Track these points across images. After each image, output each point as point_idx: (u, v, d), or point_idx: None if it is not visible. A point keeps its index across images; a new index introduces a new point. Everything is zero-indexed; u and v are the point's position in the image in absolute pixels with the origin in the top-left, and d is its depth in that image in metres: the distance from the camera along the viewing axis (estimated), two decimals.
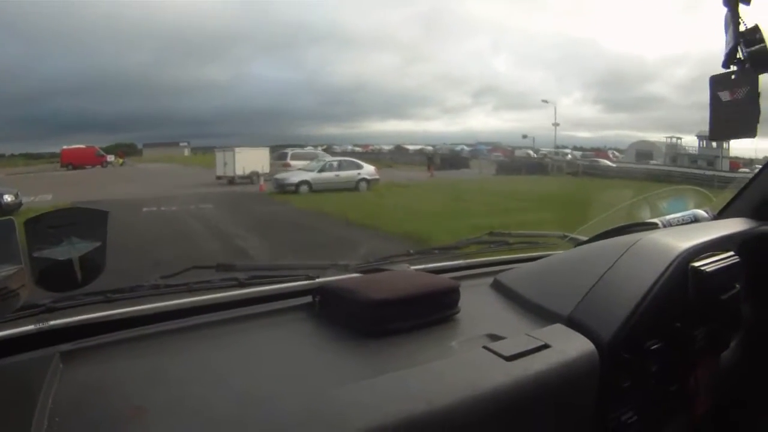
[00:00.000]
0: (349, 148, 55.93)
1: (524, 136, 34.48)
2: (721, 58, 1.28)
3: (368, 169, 19.08)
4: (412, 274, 1.33)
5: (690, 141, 30.66)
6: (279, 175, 18.40)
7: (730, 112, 1.31)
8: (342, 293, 1.13)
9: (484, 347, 0.92)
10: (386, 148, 48.65)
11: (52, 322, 1.02)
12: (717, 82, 1.32)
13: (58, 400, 0.81)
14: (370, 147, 53.52)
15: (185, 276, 1.25)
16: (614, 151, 36.93)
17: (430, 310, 1.10)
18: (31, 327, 1.01)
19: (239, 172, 20.61)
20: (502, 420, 0.83)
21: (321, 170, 18.50)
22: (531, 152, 34.81)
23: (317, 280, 1.30)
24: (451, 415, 0.77)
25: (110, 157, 33.52)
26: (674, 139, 31.44)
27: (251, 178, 20.20)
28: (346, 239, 8.79)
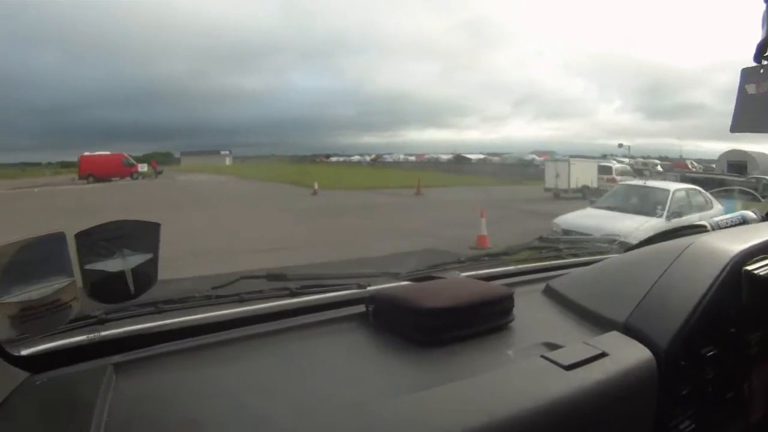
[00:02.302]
0: (401, 157, 55.25)
1: (620, 145, 33.21)
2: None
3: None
4: (465, 281, 1.30)
5: None
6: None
7: (755, 105, 1.34)
8: (395, 302, 1.11)
9: (542, 356, 0.91)
10: (444, 157, 47.18)
11: (104, 333, 1.04)
12: (746, 75, 1.35)
13: (112, 413, 0.82)
14: (425, 156, 51.38)
15: (235, 286, 1.25)
16: (692, 161, 34.86)
17: (485, 319, 1.09)
18: (83, 338, 1.02)
19: (573, 184, 19.13)
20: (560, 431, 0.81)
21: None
22: (616, 163, 31.65)
23: (369, 288, 1.29)
24: (513, 428, 0.76)
25: (141, 167, 29.35)
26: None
27: (582, 191, 18.22)
28: None
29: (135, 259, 0.94)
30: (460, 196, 17.41)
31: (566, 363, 0.88)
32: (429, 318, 1.04)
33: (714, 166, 28.76)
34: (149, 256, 0.96)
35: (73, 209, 12.30)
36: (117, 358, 0.99)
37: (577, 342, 0.98)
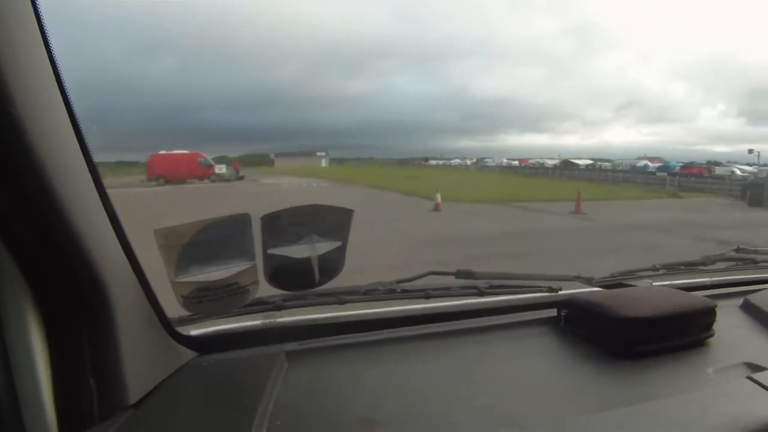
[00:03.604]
0: (504, 161, 52.97)
1: (750, 151, 30.77)
2: None
3: None
4: (663, 291, 1.22)
5: None
6: None
7: None
8: (591, 308, 1.07)
9: (749, 378, 0.86)
10: (550, 161, 45.13)
11: (279, 320, 1.03)
12: None
13: (280, 402, 0.80)
14: (529, 161, 49.79)
15: (423, 281, 1.22)
16: None
17: (684, 332, 1.03)
18: (257, 323, 1.02)
19: None
20: None
21: None
22: (738, 171, 30.36)
23: (561, 292, 1.25)
24: None
25: (219, 168, 27.22)
26: None
27: None
28: None
29: (324, 246, 0.90)
30: (636, 218, 13.09)
31: None
32: (627, 328, 0.98)
33: None
34: (338, 243, 0.92)
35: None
36: (291, 346, 0.97)
37: None
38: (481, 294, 1.18)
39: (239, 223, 0.84)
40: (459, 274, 1.23)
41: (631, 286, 1.31)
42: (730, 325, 1.12)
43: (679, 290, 1.20)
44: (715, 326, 1.06)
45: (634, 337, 0.98)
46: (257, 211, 0.88)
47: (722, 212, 16.21)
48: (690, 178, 27.52)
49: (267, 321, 1.03)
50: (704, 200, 20.26)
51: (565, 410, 0.81)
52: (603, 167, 38.22)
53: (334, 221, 0.92)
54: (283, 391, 0.84)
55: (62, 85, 0.61)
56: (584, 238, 10.38)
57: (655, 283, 1.34)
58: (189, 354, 0.94)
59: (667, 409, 0.78)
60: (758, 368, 0.91)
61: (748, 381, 0.84)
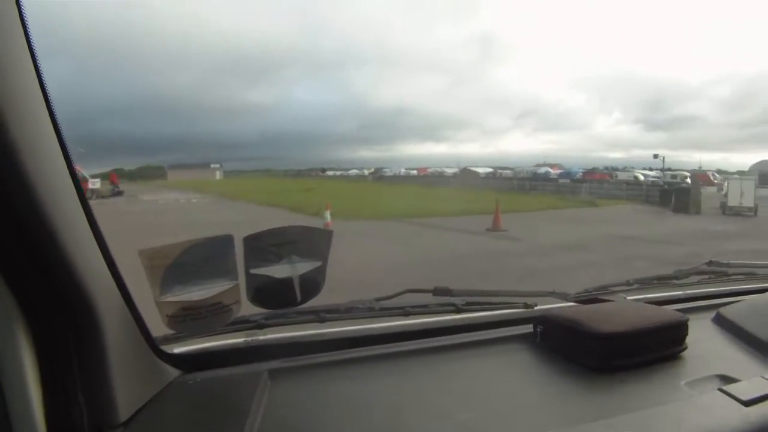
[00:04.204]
0: (402, 171, 51.93)
1: (655, 156, 30.40)
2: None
3: None
4: (636, 305, 1.26)
5: None
6: None
7: None
8: (567, 323, 1.08)
9: (720, 390, 0.88)
10: (449, 170, 44.69)
11: (262, 338, 1.05)
12: None
13: (265, 420, 0.82)
14: (429, 170, 48.82)
15: (400, 299, 1.23)
16: (714, 173, 34.41)
17: (658, 346, 1.06)
18: (240, 341, 1.04)
19: (748, 203, 18.26)
20: None
21: None
22: (641, 176, 31.68)
23: (536, 308, 1.27)
24: None
25: (93, 183, 23.96)
26: None
27: (753, 209, 17.87)
28: None
29: (304, 266, 0.93)
30: (565, 235, 11.37)
31: (745, 398, 0.84)
32: (603, 343, 1.01)
33: (737, 176, 27.61)
34: (318, 263, 0.95)
35: None
36: (274, 364, 0.99)
37: (755, 376, 0.94)
38: (459, 311, 1.21)
39: (222, 243, 0.85)
40: (436, 292, 1.26)
41: (606, 300, 1.35)
42: (702, 338, 1.15)
43: (653, 305, 1.23)
44: (688, 339, 1.09)
45: (608, 352, 1.00)
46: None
47: (655, 222, 15.28)
48: (603, 185, 27.98)
49: (249, 339, 1.04)
50: (626, 208, 19.94)
51: (542, 424, 0.82)
52: (504, 175, 38.67)
53: (313, 241, 0.94)
54: (267, 409, 0.85)
55: (45, 89, 0.62)
56: (513, 262, 8.25)
57: (628, 298, 1.39)
58: (174, 372, 0.94)
59: (643, 421, 0.80)
60: (730, 380, 0.94)
61: (719, 393, 0.86)
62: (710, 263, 1.62)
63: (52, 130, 0.64)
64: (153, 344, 0.89)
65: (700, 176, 28.74)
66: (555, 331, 1.09)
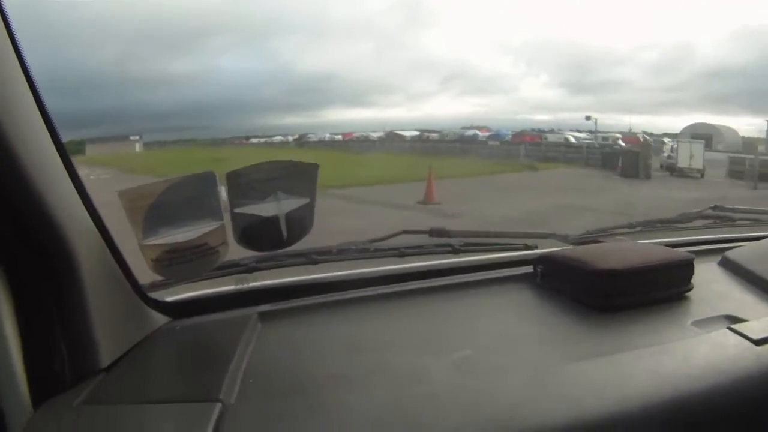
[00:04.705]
0: (327, 136, 50.97)
1: (588, 118, 30.64)
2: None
3: None
4: (639, 245, 1.24)
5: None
6: None
7: None
8: (567, 263, 1.07)
9: (729, 328, 0.86)
10: (374, 134, 42.68)
11: (252, 284, 1.02)
12: None
13: (253, 362, 0.81)
14: (354, 135, 47.29)
15: (395, 240, 1.21)
16: (644, 135, 33.20)
17: (662, 285, 1.02)
18: (230, 287, 1.00)
19: (698, 165, 18.44)
20: (746, 411, 0.76)
21: None
22: (572, 138, 30.02)
23: (536, 250, 1.24)
24: (700, 402, 0.72)
25: None
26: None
27: (701, 171, 18.01)
28: None
29: (290, 204, 0.88)
30: (511, 206, 9.42)
31: (756, 337, 0.82)
32: (604, 280, 0.99)
33: (666, 139, 28.50)
34: (305, 200, 0.90)
35: None
36: (264, 307, 0.96)
37: (763, 317, 0.91)
38: (456, 252, 1.19)
39: (203, 181, 0.82)
40: (433, 233, 1.25)
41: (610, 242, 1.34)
42: (708, 280, 1.12)
43: (656, 245, 1.21)
44: (694, 281, 1.06)
45: (611, 290, 0.98)
46: None
47: (608, 188, 13.60)
48: (541, 147, 26.81)
49: (240, 285, 1.01)
50: (568, 172, 18.88)
51: (544, 360, 0.82)
52: (431, 138, 37.88)
53: (298, 177, 0.89)
54: (256, 351, 0.84)
55: (22, 58, 0.62)
56: None
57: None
58: (162, 319, 0.92)
59: (649, 357, 0.77)
60: (738, 320, 0.91)
61: (729, 331, 0.84)
62: (715, 207, 1.62)
63: (29, 90, 0.62)
64: (140, 291, 0.86)
65: (630, 138, 29.07)
66: (556, 271, 1.08)
